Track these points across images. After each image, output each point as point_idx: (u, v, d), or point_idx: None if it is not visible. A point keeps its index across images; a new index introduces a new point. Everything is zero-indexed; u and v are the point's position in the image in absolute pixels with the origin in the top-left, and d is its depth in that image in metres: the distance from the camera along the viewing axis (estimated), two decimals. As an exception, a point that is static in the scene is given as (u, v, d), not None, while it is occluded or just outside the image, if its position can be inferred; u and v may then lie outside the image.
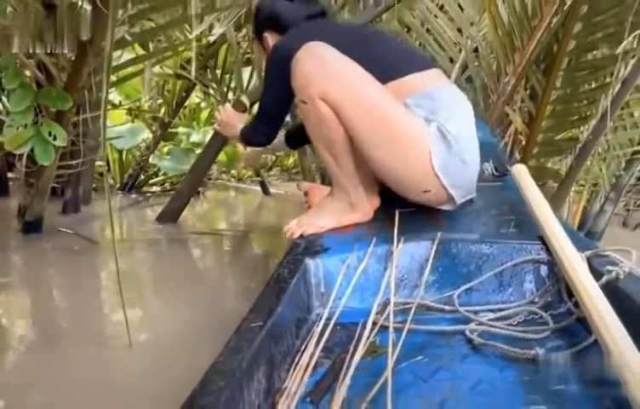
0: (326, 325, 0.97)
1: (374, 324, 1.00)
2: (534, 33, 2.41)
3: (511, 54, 2.53)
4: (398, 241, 1.21)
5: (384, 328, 0.98)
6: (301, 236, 1.36)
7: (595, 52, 2.49)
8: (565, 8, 2.40)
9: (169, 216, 2.69)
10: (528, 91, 2.69)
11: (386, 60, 1.43)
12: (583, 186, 2.83)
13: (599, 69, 2.45)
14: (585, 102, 2.54)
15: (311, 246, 1.27)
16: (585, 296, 0.90)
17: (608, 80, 2.40)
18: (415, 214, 1.41)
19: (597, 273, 0.99)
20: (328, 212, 1.42)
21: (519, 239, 1.22)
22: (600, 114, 2.40)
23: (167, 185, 3.28)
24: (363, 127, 1.30)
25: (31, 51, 2.14)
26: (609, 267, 0.99)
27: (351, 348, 0.91)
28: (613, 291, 0.92)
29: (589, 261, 1.05)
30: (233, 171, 3.59)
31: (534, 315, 1.05)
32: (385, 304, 1.07)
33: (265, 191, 3.39)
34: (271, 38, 1.61)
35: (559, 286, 1.10)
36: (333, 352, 0.95)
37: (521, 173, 1.49)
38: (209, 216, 3.08)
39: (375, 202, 1.47)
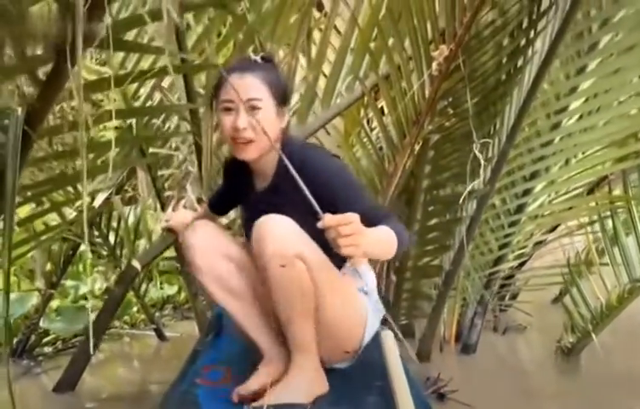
0: None
1: None
2: (391, 178, 2.63)
3: (375, 194, 2.75)
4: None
5: None
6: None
7: (447, 189, 2.76)
8: (415, 152, 2.66)
9: (66, 385, 2.61)
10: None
11: None
12: (453, 298, 3.04)
13: (451, 204, 2.71)
14: (442, 233, 2.79)
15: (186, 398, 1.40)
16: None
17: (458, 215, 2.65)
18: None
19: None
20: (298, 386, 1.37)
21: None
22: (458, 244, 2.64)
23: (59, 344, 3.15)
24: (325, 279, 1.40)
25: None
26: None
27: None
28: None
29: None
30: (126, 317, 3.52)
31: None
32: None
33: (161, 336, 3.34)
34: None
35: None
36: None
37: (387, 338, 1.54)
38: (107, 373, 2.97)
39: None
